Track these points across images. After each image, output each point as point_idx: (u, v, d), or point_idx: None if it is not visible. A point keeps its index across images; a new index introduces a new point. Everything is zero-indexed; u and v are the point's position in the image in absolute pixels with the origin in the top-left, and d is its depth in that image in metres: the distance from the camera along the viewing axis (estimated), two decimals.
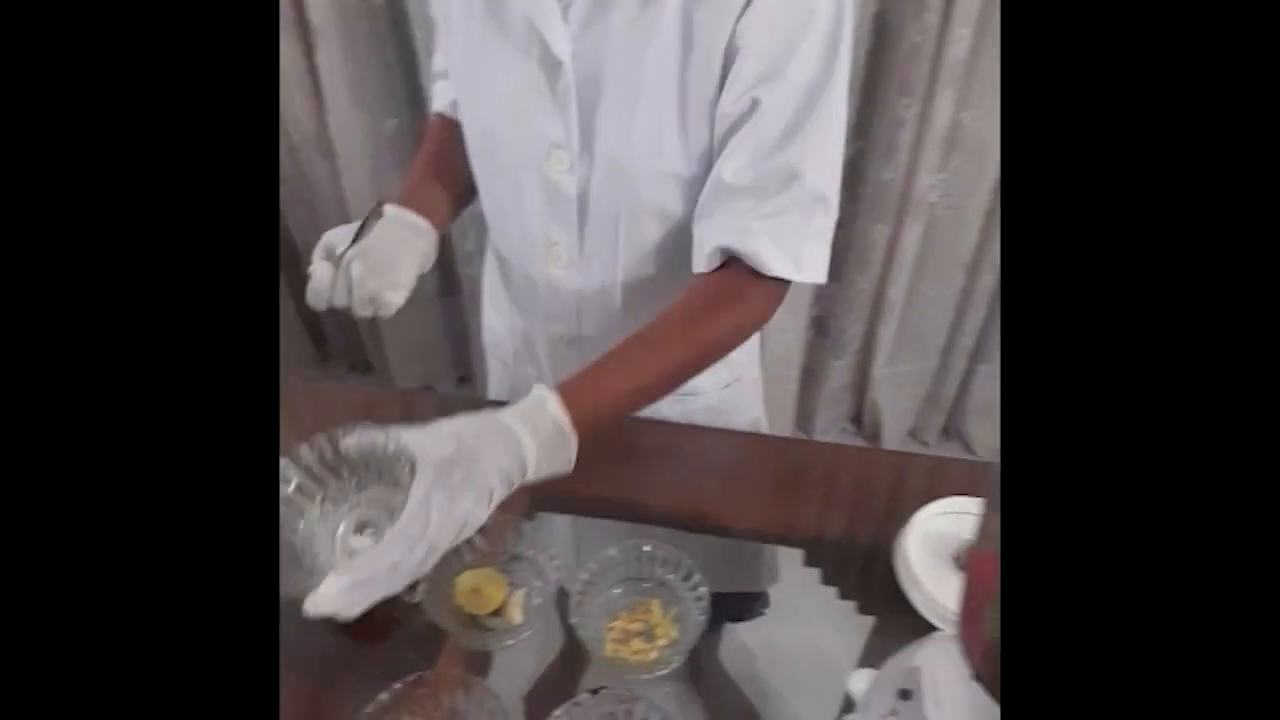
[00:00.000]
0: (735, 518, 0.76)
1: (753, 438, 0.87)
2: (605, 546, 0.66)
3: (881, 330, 1.68)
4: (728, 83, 0.64)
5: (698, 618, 0.63)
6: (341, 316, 1.96)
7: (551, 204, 0.73)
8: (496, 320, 0.95)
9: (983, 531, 0.42)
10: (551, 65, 0.66)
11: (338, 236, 0.70)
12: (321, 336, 2.06)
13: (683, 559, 0.65)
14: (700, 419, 0.86)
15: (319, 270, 0.67)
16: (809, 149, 0.65)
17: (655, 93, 0.65)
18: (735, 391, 0.90)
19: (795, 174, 0.64)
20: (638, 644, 0.64)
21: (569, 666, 0.66)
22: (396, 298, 0.69)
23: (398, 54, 1.52)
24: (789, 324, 1.52)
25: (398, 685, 0.57)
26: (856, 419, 1.92)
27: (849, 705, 0.60)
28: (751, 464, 0.83)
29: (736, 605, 0.72)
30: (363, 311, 0.69)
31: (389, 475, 0.54)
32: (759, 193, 0.65)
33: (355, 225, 0.71)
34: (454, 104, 0.82)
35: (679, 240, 0.72)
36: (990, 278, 1.62)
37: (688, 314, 0.67)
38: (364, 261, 0.68)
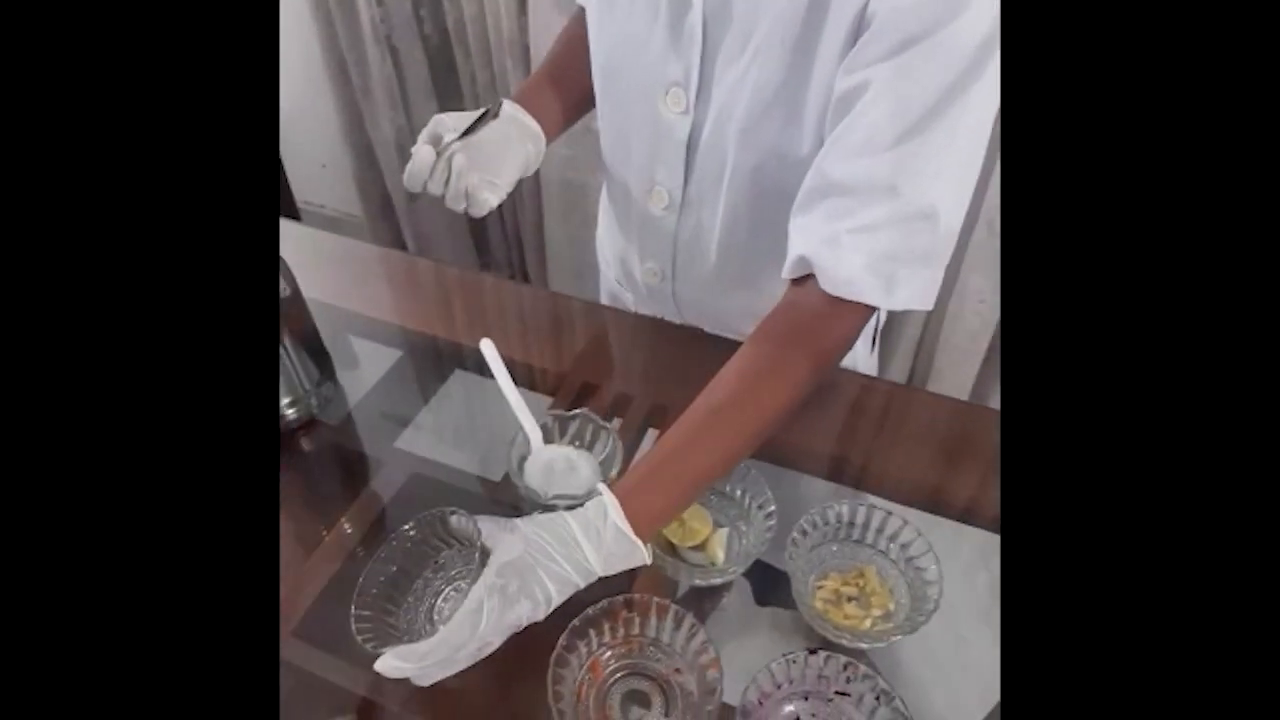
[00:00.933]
0: (952, 495, 0.69)
1: (982, 410, 0.79)
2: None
3: None
4: (850, 54, 0.55)
5: (918, 600, 0.58)
6: (508, 229, 1.99)
7: (660, 144, 0.70)
8: (604, 235, 0.93)
9: None
10: (680, 2, 0.61)
11: (449, 123, 0.68)
12: (485, 245, 2.09)
13: (915, 536, 0.59)
14: None
15: (421, 153, 0.65)
16: (927, 152, 0.53)
17: (774, 49, 0.59)
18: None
19: (902, 180, 0.54)
20: (851, 609, 0.59)
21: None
22: (493, 197, 0.67)
23: None
24: (989, 294, 1.39)
25: (604, 602, 0.55)
26: None
27: None
28: (951, 429, 0.76)
29: None
30: (455, 205, 0.67)
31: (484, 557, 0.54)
32: (859, 195, 0.55)
33: (468, 115, 0.69)
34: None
35: (780, 208, 0.63)
36: None
37: (755, 378, 0.58)
38: (468, 154, 0.66)
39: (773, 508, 0.61)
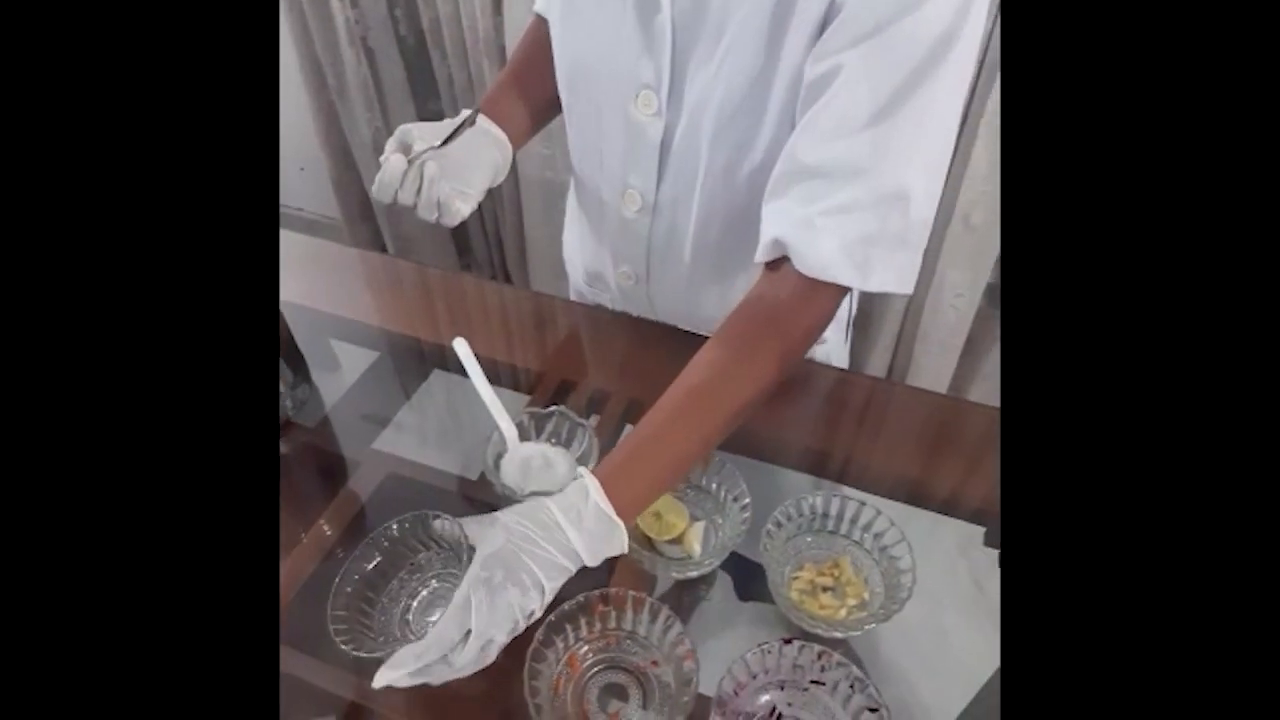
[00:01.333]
0: (934, 487, 0.70)
1: (962, 403, 0.80)
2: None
3: None
4: (820, 41, 0.56)
5: (891, 589, 0.58)
6: (489, 229, 1.99)
7: (633, 147, 0.69)
8: (573, 241, 0.92)
9: None
10: (649, 3, 0.61)
11: (416, 132, 0.67)
12: (466, 246, 2.08)
13: (888, 525, 0.60)
14: None
15: (393, 162, 0.64)
16: (898, 134, 0.54)
17: (745, 46, 0.59)
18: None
19: (874, 162, 0.55)
20: (826, 599, 0.60)
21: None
22: (465, 207, 0.67)
23: None
24: (966, 289, 1.41)
25: (580, 597, 0.55)
26: None
27: None
28: (938, 424, 0.77)
29: None
30: (427, 215, 0.66)
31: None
32: (832, 178, 0.56)
33: (438, 125, 0.68)
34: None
35: (752, 203, 0.64)
36: None
37: (730, 360, 0.59)
38: (439, 163, 0.65)
39: (748, 500, 0.62)
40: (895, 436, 0.75)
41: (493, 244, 2.01)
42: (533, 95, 0.78)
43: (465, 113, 0.71)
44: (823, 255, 0.57)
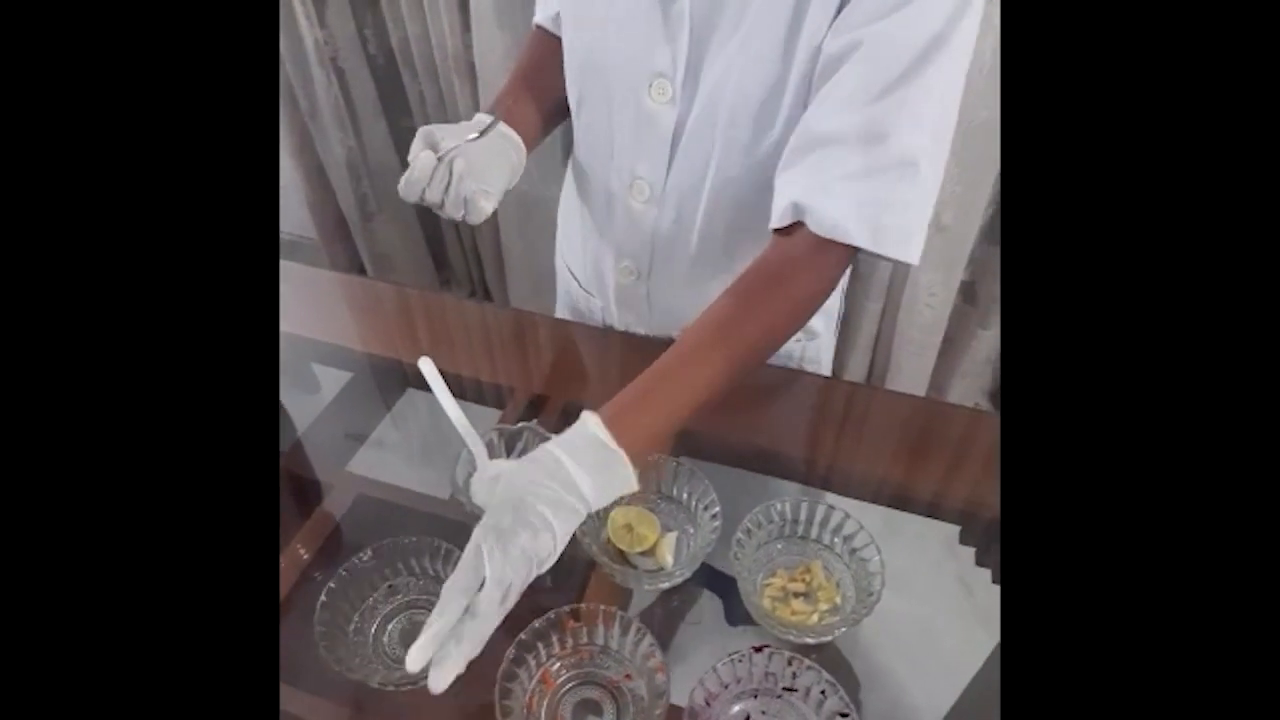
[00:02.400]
0: (916, 489, 0.70)
1: (934, 404, 0.80)
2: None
3: None
4: (837, 19, 0.58)
5: (863, 593, 0.59)
6: (466, 243, 1.99)
7: (644, 136, 0.70)
8: (569, 241, 0.92)
9: None
10: None
11: (440, 132, 0.68)
12: (444, 262, 2.08)
13: (858, 528, 0.60)
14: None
15: (422, 159, 0.65)
16: (909, 105, 0.57)
17: (769, 27, 0.60)
18: (803, 350, 0.86)
19: (886, 130, 0.57)
20: (798, 605, 0.60)
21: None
22: (488, 205, 0.67)
23: None
24: (939, 288, 1.42)
25: (551, 614, 0.55)
26: (995, 395, 1.80)
27: None
28: (907, 425, 0.77)
29: None
30: (453, 212, 0.67)
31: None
32: (847, 145, 0.58)
33: (460, 126, 0.69)
34: (555, 18, 0.78)
35: (765, 192, 0.65)
36: None
37: (739, 308, 0.60)
38: (465, 161, 0.66)
39: (718, 509, 0.62)
40: (873, 440, 0.76)
41: (470, 259, 2.01)
42: (542, 99, 0.78)
43: (480, 116, 0.72)
44: (837, 215, 0.59)
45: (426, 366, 0.67)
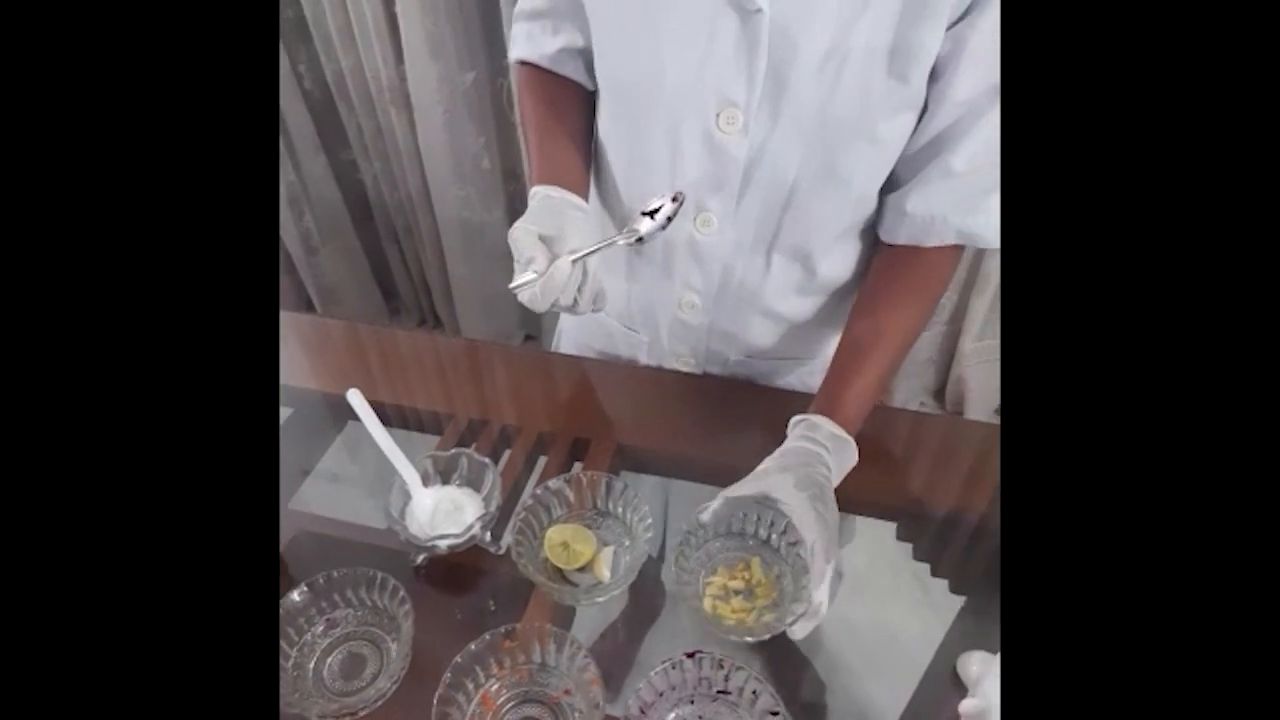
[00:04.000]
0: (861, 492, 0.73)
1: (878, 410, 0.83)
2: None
3: (975, 301, 1.60)
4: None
5: (800, 582, 0.60)
6: (413, 272, 1.98)
7: (712, 166, 0.66)
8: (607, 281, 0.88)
9: None
10: (746, 12, 0.57)
11: (541, 225, 0.62)
12: (393, 291, 2.08)
13: (789, 521, 0.62)
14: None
15: (561, 268, 0.59)
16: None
17: (866, 49, 0.57)
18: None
19: (994, 132, 0.63)
20: (738, 602, 0.61)
21: (633, 627, 0.64)
22: (605, 287, 0.64)
23: (477, 6, 1.50)
24: None
25: (486, 636, 0.56)
26: (939, 393, 1.85)
27: (959, 686, 0.57)
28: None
29: None
30: (587, 308, 0.63)
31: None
32: (968, 152, 0.63)
33: (577, 227, 0.64)
34: (557, 55, 0.73)
35: (850, 212, 0.69)
36: None
37: (905, 294, 0.71)
38: (598, 258, 0.62)
39: (650, 520, 0.64)
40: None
41: (419, 287, 2.01)
42: (577, 145, 0.74)
43: (542, 190, 0.68)
44: (976, 227, 0.66)
45: (355, 398, 0.67)
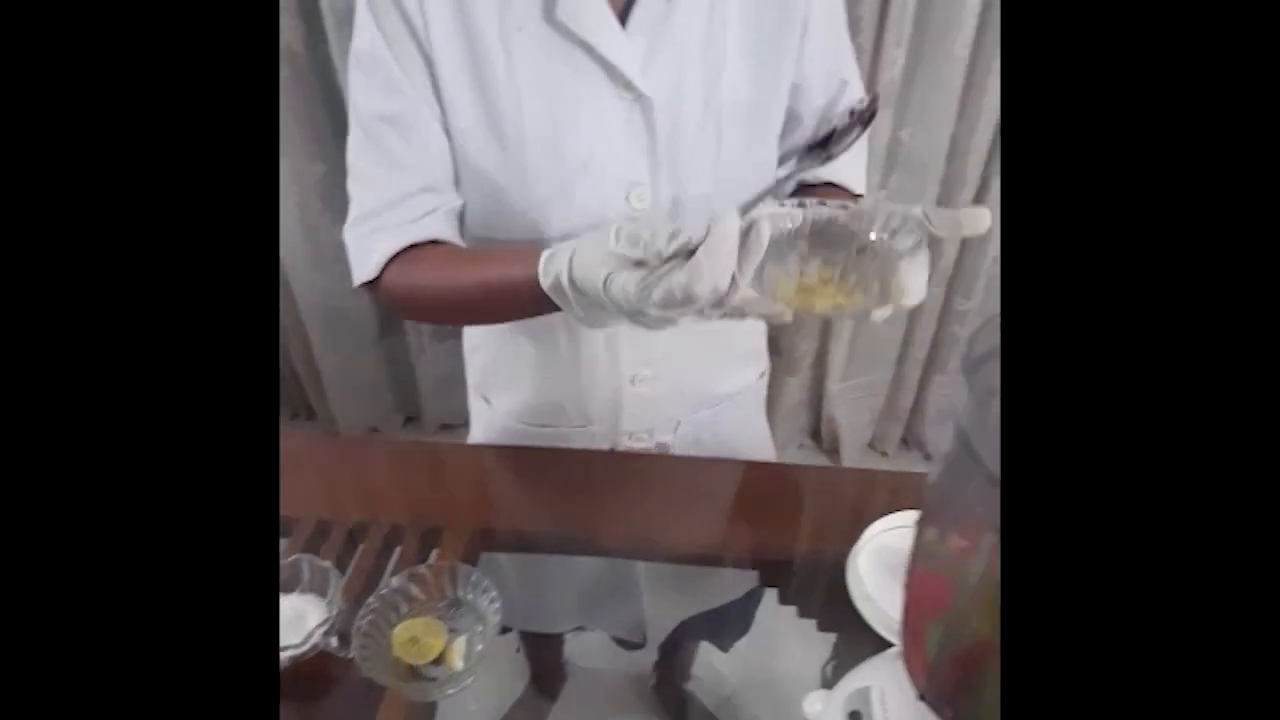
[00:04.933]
0: (687, 543, 0.75)
1: (701, 462, 0.86)
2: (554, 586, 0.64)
3: (834, 346, 1.70)
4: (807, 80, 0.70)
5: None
6: (283, 363, 1.92)
7: None
8: (514, 394, 0.86)
9: (917, 547, 0.41)
10: (642, 102, 0.64)
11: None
12: None
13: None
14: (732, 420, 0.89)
15: (729, 225, 0.53)
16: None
17: (732, 104, 0.67)
18: (761, 386, 0.93)
19: None
20: (831, 288, 0.55)
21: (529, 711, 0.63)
22: None
23: (322, 98, 1.50)
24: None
25: None
26: (815, 434, 1.92)
27: None
28: (702, 487, 0.82)
29: (714, 628, 0.71)
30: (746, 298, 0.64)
31: None
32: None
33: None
34: (427, 225, 0.69)
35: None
36: (938, 290, 1.65)
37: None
38: None
39: (495, 592, 0.63)
40: (679, 506, 0.80)
41: (288, 380, 1.95)
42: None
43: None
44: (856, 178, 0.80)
45: None
